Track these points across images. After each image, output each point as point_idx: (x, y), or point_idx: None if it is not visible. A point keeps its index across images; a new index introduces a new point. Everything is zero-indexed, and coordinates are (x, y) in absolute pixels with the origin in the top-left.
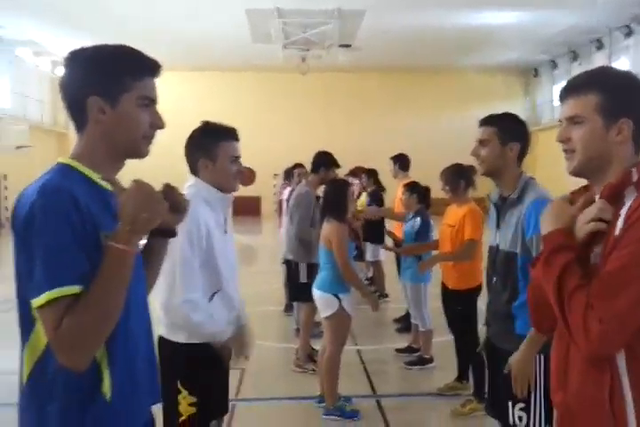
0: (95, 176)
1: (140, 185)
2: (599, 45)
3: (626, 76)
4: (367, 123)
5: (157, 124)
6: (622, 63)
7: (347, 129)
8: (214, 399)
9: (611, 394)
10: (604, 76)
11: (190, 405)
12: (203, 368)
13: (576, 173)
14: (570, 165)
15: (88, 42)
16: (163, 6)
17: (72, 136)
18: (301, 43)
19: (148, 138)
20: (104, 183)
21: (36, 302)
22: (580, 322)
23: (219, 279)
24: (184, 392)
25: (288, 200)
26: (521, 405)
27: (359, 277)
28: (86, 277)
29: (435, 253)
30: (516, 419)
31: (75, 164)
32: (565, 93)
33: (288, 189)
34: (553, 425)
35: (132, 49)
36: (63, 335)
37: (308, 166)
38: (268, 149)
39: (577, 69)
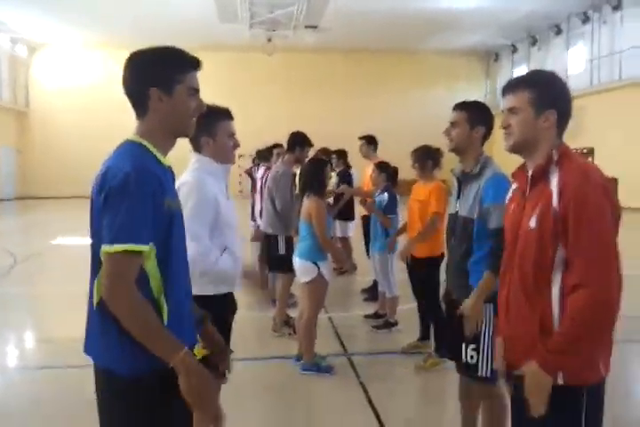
0: (159, 155)
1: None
2: (557, 31)
3: (553, 77)
4: (333, 104)
5: (202, 108)
6: (579, 48)
7: (312, 110)
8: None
9: (541, 315)
10: (535, 77)
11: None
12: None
13: (511, 149)
14: (507, 144)
15: (50, 20)
16: None
17: (32, 115)
18: (268, 23)
19: (194, 120)
20: (164, 160)
21: (106, 248)
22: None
23: (226, 240)
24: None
25: (263, 178)
26: (472, 346)
27: (335, 245)
28: (150, 240)
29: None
30: (469, 358)
31: (145, 143)
32: (506, 90)
33: (263, 169)
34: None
35: (179, 49)
36: (113, 297)
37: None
38: None
39: (536, 54)
